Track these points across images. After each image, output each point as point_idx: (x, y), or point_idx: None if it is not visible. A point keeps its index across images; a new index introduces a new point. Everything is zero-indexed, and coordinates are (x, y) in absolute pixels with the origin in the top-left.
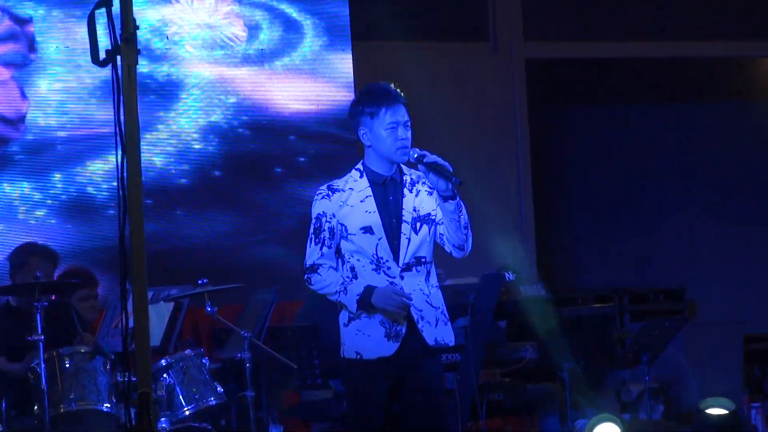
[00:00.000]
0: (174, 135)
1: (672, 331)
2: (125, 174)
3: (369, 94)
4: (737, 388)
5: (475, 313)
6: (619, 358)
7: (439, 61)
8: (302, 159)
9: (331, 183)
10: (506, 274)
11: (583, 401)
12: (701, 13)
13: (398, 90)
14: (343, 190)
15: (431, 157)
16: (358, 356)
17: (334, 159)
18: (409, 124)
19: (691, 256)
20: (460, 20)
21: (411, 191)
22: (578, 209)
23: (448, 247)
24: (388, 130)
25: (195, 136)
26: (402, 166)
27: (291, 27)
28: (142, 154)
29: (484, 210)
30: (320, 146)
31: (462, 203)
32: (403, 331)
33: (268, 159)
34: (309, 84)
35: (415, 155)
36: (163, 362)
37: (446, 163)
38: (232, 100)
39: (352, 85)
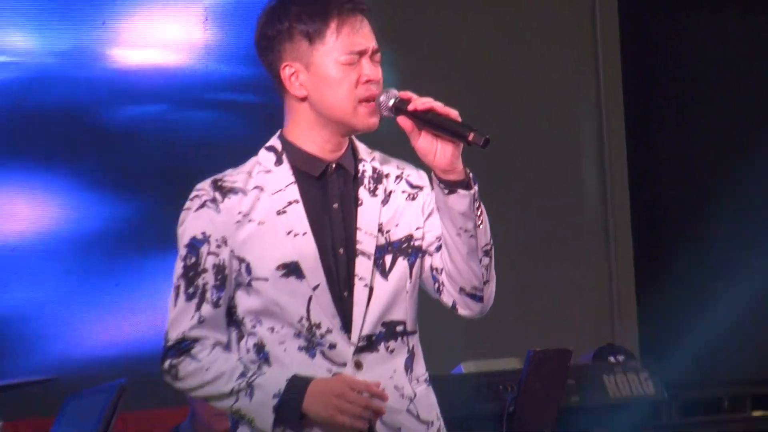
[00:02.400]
0: None
1: None
2: None
3: None
4: None
5: (518, 422)
6: None
7: None
8: None
9: (219, 177)
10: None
11: None
12: None
13: None
14: (242, 192)
15: (422, 101)
16: None
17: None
18: (379, 55)
19: None
20: None
21: (373, 193)
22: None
23: (449, 296)
24: (342, 67)
25: None
26: (359, 143)
27: None
28: None
29: (542, 223)
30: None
31: (482, 205)
32: None
33: None
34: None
35: (392, 100)
36: None
37: (450, 110)
38: None
39: None
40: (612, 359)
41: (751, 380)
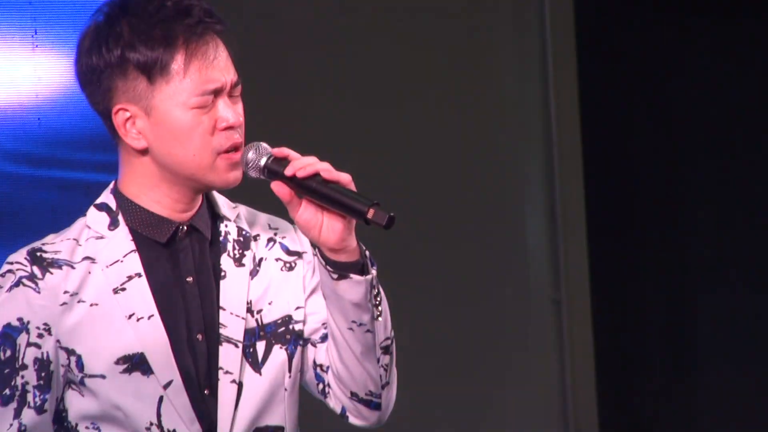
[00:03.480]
0: None
1: None
2: None
3: (140, 13)
4: None
5: None
6: None
7: None
8: None
9: (36, 247)
10: None
11: None
12: None
13: (208, 8)
14: (69, 265)
15: (303, 162)
16: None
17: None
18: (239, 88)
19: None
20: None
21: (239, 262)
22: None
23: (337, 402)
24: (193, 112)
25: None
26: (219, 196)
27: None
28: None
29: (483, 290)
30: None
31: (381, 293)
32: None
33: None
34: None
35: (262, 162)
36: None
37: (342, 175)
38: None
39: None
40: None
41: None
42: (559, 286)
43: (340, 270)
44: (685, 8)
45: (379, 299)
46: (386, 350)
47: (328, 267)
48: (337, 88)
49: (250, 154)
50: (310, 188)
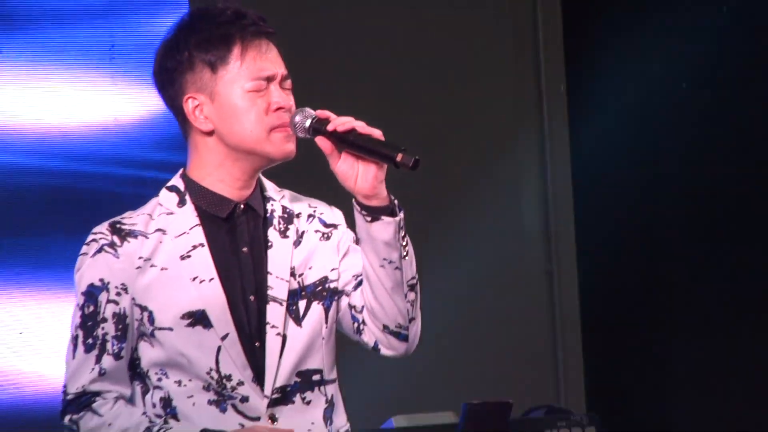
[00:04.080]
0: None
1: None
2: None
3: (204, 20)
4: None
5: None
6: None
7: None
8: None
9: (117, 220)
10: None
11: None
12: None
13: (261, 15)
14: (143, 235)
15: (342, 120)
16: None
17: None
18: (290, 82)
19: None
20: None
21: (284, 234)
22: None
23: (370, 335)
24: (249, 95)
25: None
26: (267, 181)
27: None
28: None
29: (484, 251)
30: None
31: (407, 235)
32: None
33: None
34: None
35: (307, 123)
36: None
37: (374, 130)
38: None
39: None
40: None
41: None
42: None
43: (373, 213)
44: None
45: (405, 241)
46: (412, 288)
47: (363, 212)
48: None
49: (297, 117)
50: (348, 141)
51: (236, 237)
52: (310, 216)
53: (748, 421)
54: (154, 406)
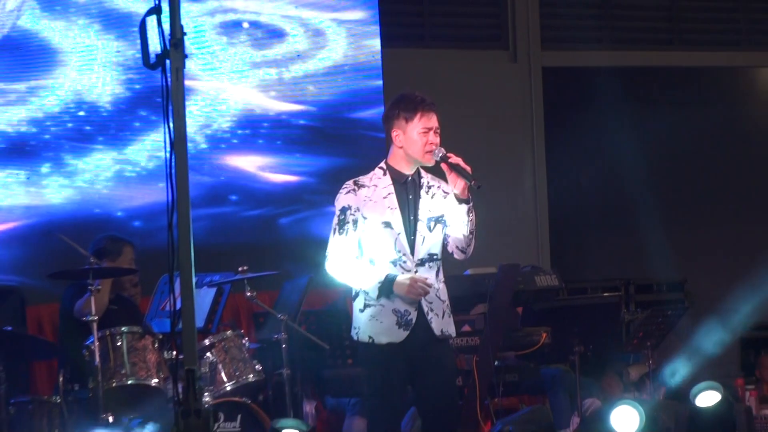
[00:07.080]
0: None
1: (674, 320)
2: (173, 170)
3: (407, 100)
4: (733, 372)
5: (493, 300)
6: (624, 343)
7: (459, 67)
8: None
9: (357, 179)
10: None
11: (590, 382)
12: (718, 22)
13: (431, 99)
14: (368, 186)
15: (455, 158)
16: (371, 340)
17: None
18: (438, 130)
19: (693, 251)
20: (481, 28)
21: (427, 193)
22: (588, 207)
23: (451, 248)
24: (420, 134)
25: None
26: (420, 168)
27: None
28: None
29: (503, 209)
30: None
31: (473, 211)
32: (413, 320)
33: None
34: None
35: (440, 154)
36: (207, 342)
37: (467, 166)
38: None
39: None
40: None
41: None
42: None
43: (460, 201)
44: None
45: (472, 214)
46: (471, 232)
47: (456, 200)
48: None
49: (436, 151)
50: (455, 168)
51: (407, 191)
52: (438, 186)
53: None
54: (365, 262)
